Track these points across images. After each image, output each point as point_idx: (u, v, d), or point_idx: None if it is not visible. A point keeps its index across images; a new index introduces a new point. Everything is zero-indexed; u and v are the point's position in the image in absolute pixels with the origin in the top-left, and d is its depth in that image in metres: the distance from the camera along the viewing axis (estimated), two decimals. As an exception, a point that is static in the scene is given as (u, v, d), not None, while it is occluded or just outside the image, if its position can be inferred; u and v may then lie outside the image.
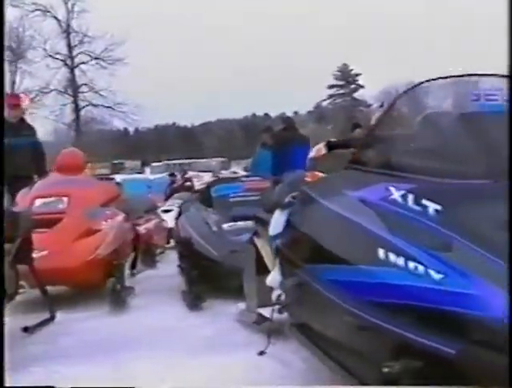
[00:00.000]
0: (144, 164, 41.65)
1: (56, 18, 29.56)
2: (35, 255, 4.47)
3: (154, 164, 39.39)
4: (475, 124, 2.35)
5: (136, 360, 3.34)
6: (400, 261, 1.90)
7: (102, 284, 5.10)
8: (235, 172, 19.74)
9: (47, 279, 4.56)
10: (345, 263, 2.10)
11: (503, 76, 2.50)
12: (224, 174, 20.33)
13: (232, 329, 3.92)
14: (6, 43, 26.76)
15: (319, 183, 2.82)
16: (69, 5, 29.58)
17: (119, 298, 4.86)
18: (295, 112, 48.10)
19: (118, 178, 22.44)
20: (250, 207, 4.81)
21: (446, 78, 2.44)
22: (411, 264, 1.87)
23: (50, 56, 29.53)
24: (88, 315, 4.63)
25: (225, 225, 5.34)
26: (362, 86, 46.04)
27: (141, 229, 7.46)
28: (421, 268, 1.84)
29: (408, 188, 2.16)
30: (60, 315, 4.48)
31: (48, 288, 4.74)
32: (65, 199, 5.34)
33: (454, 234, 1.91)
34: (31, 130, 6.89)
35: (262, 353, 3.11)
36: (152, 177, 24.65)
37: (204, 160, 39.49)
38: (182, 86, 60.53)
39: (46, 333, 4.13)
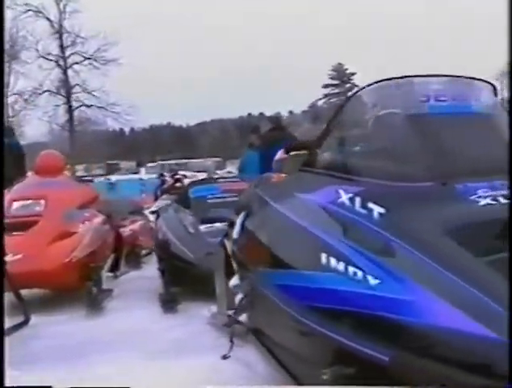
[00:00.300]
0: (140, 164, 41.64)
1: (48, 19, 29.44)
2: (10, 258, 4.45)
3: (149, 164, 39.36)
4: (422, 125, 2.32)
5: (100, 363, 3.35)
6: (341, 266, 1.88)
7: (79, 286, 5.06)
8: (230, 172, 19.71)
9: (22, 282, 4.53)
10: (290, 267, 2.09)
11: (457, 76, 2.49)
12: (220, 174, 20.31)
13: (203, 331, 3.91)
14: (0, 44, 26.73)
15: (273, 186, 2.79)
16: (61, 5, 29.46)
17: (95, 301, 4.85)
18: (291, 112, 48.14)
19: (113, 178, 22.51)
20: (228, 208, 4.77)
21: (396, 78, 2.42)
22: (351, 269, 1.85)
23: (42, 57, 29.42)
24: (63, 318, 4.63)
25: (202, 227, 5.30)
26: (357, 86, 45.94)
27: (126, 230, 7.45)
28: (359, 274, 1.82)
29: (356, 191, 2.14)
30: (34, 318, 4.45)
31: (25, 290, 4.74)
32: (42, 201, 5.32)
33: (395, 239, 1.89)
34: (8, 131, 6.85)
35: (225, 357, 3.08)
36: (146, 177, 24.61)
37: (199, 160, 39.50)
38: (177, 86, 60.51)
39: (18, 336, 4.11)
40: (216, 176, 13.96)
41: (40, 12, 29.31)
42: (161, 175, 17.01)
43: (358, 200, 2.10)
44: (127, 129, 46.32)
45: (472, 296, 1.63)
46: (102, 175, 26.05)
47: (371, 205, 2.04)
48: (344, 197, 2.14)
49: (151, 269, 6.83)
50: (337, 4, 61.08)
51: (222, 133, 52.11)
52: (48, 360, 3.55)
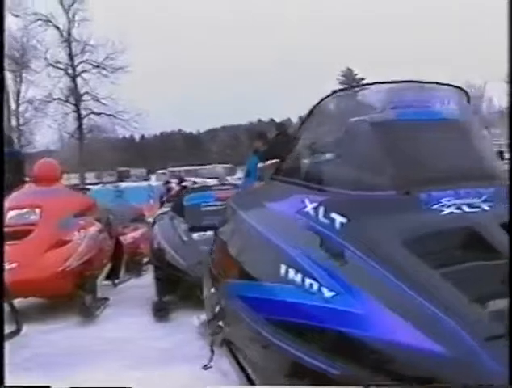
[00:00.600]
0: (150, 171, 41.77)
1: (57, 27, 29.63)
2: (5, 267, 4.46)
3: (160, 171, 39.44)
4: (388, 133, 2.29)
5: (86, 372, 3.37)
6: (298, 278, 1.87)
7: (74, 295, 5.08)
8: (240, 178, 19.63)
9: (16, 291, 4.54)
10: (252, 279, 2.07)
11: (430, 83, 2.47)
12: (229, 180, 20.27)
13: (190, 340, 3.90)
14: (11, 53, 27.02)
15: (245, 195, 2.78)
16: (70, 14, 29.67)
17: (88, 310, 4.86)
18: (301, 117, 48.11)
19: (122, 185, 22.60)
20: (221, 216, 4.75)
21: (366, 85, 2.40)
22: (307, 281, 1.84)
23: (52, 65, 29.60)
24: (55, 327, 4.64)
25: (196, 235, 5.29)
26: (366, 91, 45.68)
27: (127, 238, 7.44)
28: (315, 286, 1.81)
29: (320, 201, 2.12)
30: (26, 327, 4.47)
31: (20, 299, 4.77)
32: (37, 210, 5.33)
33: (354, 249, 1.87)
34: (9, 140, 6.90)
35: (206, 367, 3.06)
36: (155, 184, 24.68)
37: (210, 166, 39.50)
38: (187, 93, 60.58)
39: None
40: (227, 183, 13.93)
41: (50, 21, 29.53)
42: (167, 182, 16.98)
43: (321, 209, 2.08)
44: (137, 136, 46.57)
45: (423, 310, 1.61)
46: (110, 182, 26.18)
47: (333, 215, 2.02)
48: (309, 207, 2.13)
49: (151, 278, 6.85)
50: (343, 6, 60.84)
51: (232, 140, 52.18)
52: (37, 370, 3.57)
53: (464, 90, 2.59)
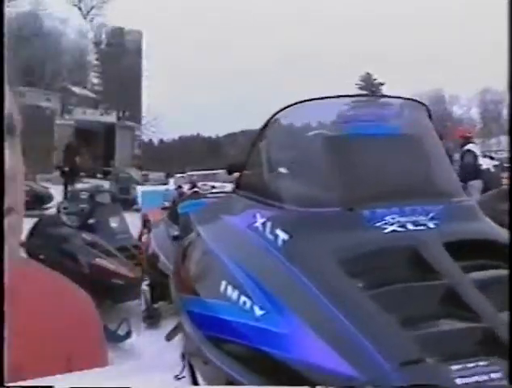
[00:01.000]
0: (169, 175, 41.86)
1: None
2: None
3: (178, 175, 39.52)
4: (337, 147, 2.27)
5: (68, 380, 3.38)
6: (235, 295, 1.86)
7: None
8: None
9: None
10: (196, 294, 2.08)
11: (387, 96, 2.45)
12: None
13: (173, 348, 3.90)
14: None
15: (204, 207, 2.79)
16: (88, 19, 30.02)
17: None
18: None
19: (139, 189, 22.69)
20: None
21: (324, 98, 2.38)
22: (242, 299, 1.83)
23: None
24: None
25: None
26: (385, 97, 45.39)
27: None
28: (248, 303, 1.80)
29: (269, 216, 2.12)
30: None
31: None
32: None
33: (292, 267, 1.86)
34: None
35: (178, 378, 3.06)
36: (172, 188, 24.78)
37: (229, 170, 39.39)
38: (206, 97, 60.75)
39: None
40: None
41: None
42: (179, 186, 17.02)
43: (269, 225, 2.07)
44: (156, 140, 46.92)
45: (347, 333, 1.59)
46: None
47: (277, 231, 2.01)
48: (259, 222, 2.13)
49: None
50: (358, 8, 60.38)
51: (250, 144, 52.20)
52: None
53: (423, 104, 2.56)
